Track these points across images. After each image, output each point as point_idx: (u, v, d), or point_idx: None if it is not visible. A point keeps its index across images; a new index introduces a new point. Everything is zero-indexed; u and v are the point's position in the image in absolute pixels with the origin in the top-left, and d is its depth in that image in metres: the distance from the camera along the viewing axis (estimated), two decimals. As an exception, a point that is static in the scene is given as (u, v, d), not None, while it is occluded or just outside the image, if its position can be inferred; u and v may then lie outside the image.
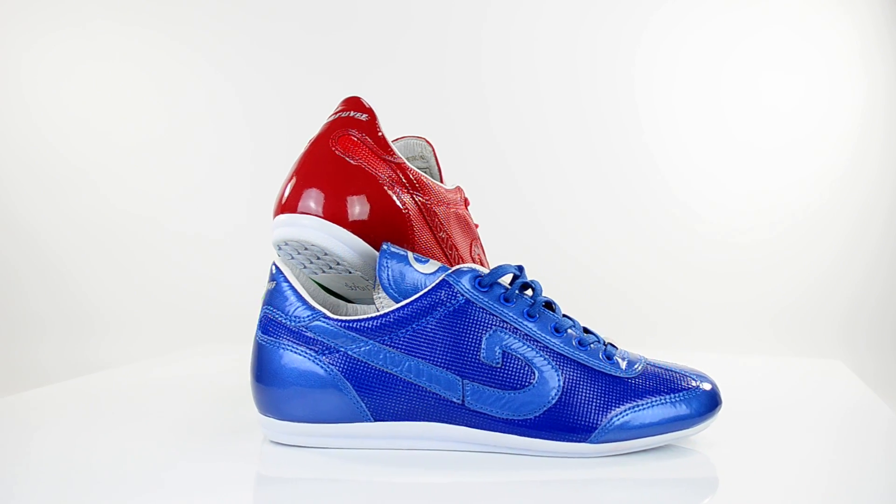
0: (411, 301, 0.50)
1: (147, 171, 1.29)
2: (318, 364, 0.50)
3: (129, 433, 0.56)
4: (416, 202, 0.58)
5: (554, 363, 0.49)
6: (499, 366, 0.49)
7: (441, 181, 0.65)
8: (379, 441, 0.51)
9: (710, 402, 0.51)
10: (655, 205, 1.66)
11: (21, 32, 1.18)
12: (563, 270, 1.57)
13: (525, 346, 0.50)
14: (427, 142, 0.66)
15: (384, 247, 0.52)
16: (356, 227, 0.54)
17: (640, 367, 0.51)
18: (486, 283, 0.50)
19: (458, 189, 0.64)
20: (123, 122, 1.28)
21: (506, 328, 0.50)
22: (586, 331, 0.53)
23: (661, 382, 0.50)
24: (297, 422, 0.51)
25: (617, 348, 0.52)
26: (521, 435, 0.49)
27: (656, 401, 0.49)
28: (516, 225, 1.53)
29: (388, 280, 0.51)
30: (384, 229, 0.56)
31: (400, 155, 0.58)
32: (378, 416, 0.50)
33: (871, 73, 1.71)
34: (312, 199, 0.54)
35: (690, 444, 0.54)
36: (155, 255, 1.30)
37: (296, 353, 0.51)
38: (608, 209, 1.64)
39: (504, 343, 0.49)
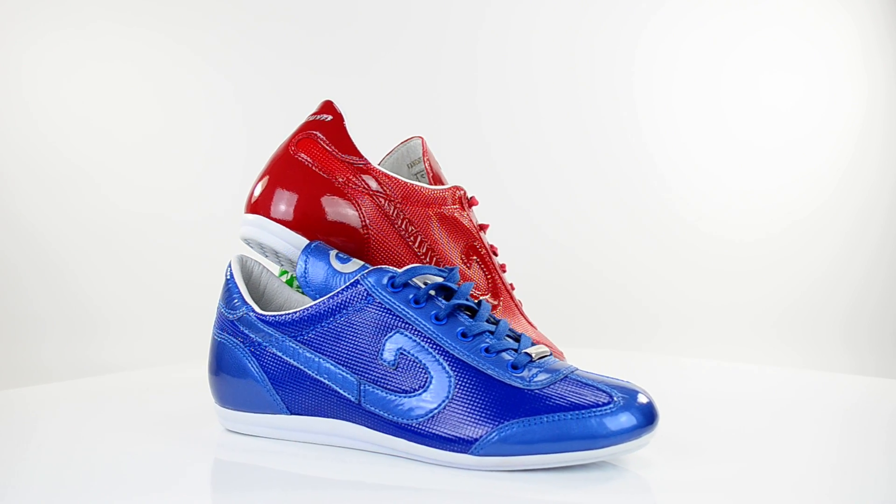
0: (324, 299, 0.51)
1: (149, 169, 1.31)
2: (244, 357, 0.53)
3: (108, 428, 0.59)
4: (377, 204, 0.58)
5: (450, 369, 0.48)
6: (395, 368, 0.48)
7: (431, 180, 0.64)
8: (295, 434, 0.53)
9: (630, 422, 0.45)
10: (656, 204, 1.64)
11: (22, 33, 1.22)
12: (566, 271, 1.55)
13: (424, 351, 0.48)
14: (421, 140, 0.65)
15: (307, 245, 0.53)
16: (306, 229, 0.56)
17: (554, 379, 0.47)
18: (398, 283, 0.50)
19: (454, 189, 0.63)
20: (125, 121, 1.30)
21: (409, 331, 0.49)
22: (516, 338, 0.50)
23: (570, 397, 0.46)
24: (234, 410, 0.54)
25: (536, 358, 0.49)
26: (408, 440, 0.48)
27: (554, 417, 0.45)
28: (518, 226, 1.51)
29: (305, 277, 0.52)
30: (335, 230, 0.57)
31: (366, 157, 0.59)
32: (292, 410, 0.52)
33: (871, 72, 1.72)
34: (267, 199, 0.57)
35: (623, 463, 0.49)
36: (158, 254, 1.31)
37: (230, 345, 0.54)
38: (610, 209, 1.62)
39: (403, 346, 0.49)
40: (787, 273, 1.67)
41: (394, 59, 1.44)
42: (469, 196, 0.65)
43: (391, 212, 0.59)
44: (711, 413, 0.65)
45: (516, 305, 0.66)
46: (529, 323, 0.67)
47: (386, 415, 0.48)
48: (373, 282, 0.50)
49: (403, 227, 0.59)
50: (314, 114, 0.60)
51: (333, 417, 0.51)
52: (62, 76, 1.22)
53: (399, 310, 0.49)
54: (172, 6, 1.30)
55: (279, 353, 0.52)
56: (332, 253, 0.53)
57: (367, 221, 0.58)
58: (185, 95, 1.35)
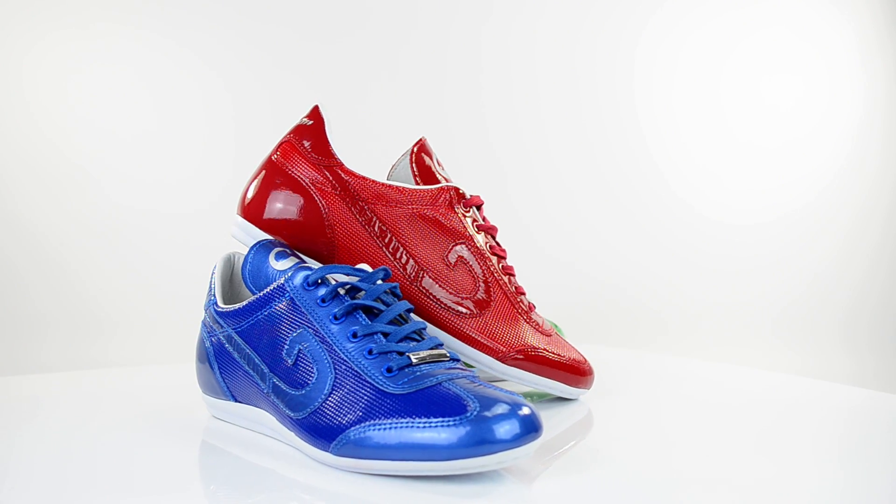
0: (257, 295, 0.54)
1: (151, 165, 1.29)
2: (209, 346, 0.58)
3: (101, 419, 0.62)
4: (347, 205, 0.60)
5: (334, 368, 0.48)
6: (293, 364, 0.50)
7: (417, 180, 0.64)
8: (240, 420, 0.56)
9: (483, 436, 0.43)
10: (658, 204, 1.63)
11: (22, 33, 1.22)
12: (569, 271, 1.53)
13: (317, 349, 0.49)
14: (420, 141, 0.65)
15: (255, 242, 0.57)
16: (278, 231, 0.60)
17: (423, 385, 0.46)
18: (312, 281, 0.51)
19: (442, 189, 0.62)
20: (126, 120, 1.29)
21: (310, 329, 0.50)
22: (420, 339, 0.50)
23: (428, 405, 0.45)
24: (206, 395, 0.60)
25: (418, 361, 0.47)
26: (295, 433, 0.49)
27: (407, 422, 0.44)
28: (523, 227, 1.48)
29: (247, 274, 0.56)
30: (302, 232, 0.59)
31: (340, 159, 0.61)
32: (236, 398, 0.56)
33: (870, 72, 1.75)
34: (250, 201, 0.61)
35: (509, 473, 0.47)
36: (160, 253, 1.29)
37: (203, 335, 0.59)
38: (612, 210, 1.60)
39: (302, 343, 0.50)
40: (786, 273, 1.69)
41: (397, 62, 1.45)
42: (469, 196, 0.64)
43: (362, 212, 0.60)
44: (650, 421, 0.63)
45: (523, 310, 0.64)
46: (537, 327, 0.64)
47: (283, 407, 0.51)
48: (292, 279, 0.52)
49: (375, 227, 0.60)
50: (305, 117, 0.63)
51: (258, 407, 0.54)
52: (63, 76, 1.24)
53: (306, 307, 0.51)
54: (173, 8, 1.32)
55: (225, 343, 0.56)
56: (274, 251, 0.56)
57: (331, 222, 0.60)
58: (189, 95, 1.34)
